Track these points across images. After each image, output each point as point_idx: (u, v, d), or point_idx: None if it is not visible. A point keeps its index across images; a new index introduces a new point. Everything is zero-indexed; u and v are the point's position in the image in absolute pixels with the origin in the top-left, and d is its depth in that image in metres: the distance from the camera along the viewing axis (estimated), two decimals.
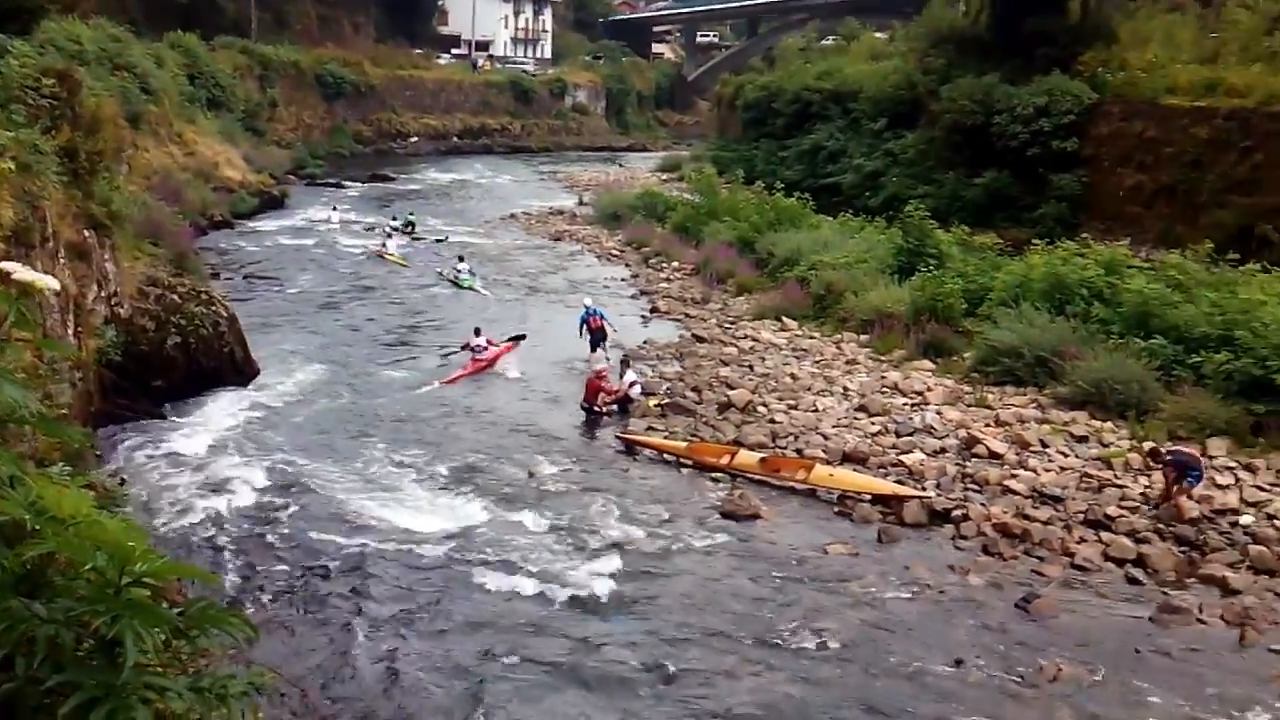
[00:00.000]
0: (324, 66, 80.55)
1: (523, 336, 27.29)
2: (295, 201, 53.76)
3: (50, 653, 3.17)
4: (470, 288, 35.50)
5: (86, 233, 19.89)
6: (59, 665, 3.18)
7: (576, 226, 49.93)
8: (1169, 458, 17.85)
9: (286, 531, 16.32)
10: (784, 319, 30.27)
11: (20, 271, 3.78)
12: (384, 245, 41.53)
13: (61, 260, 17.92)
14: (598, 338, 27.01)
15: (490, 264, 39.78)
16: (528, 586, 14.88)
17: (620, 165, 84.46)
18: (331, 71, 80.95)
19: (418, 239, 44.62)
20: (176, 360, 22.33)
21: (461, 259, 37.59)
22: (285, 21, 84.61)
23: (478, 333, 26.45)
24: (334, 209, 48.80)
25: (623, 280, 37.15)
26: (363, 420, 21.96)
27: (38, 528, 3.50)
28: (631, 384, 23.11)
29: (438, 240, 44.06)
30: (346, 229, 46.21)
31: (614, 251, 43.26)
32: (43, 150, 17.19)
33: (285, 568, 15.15)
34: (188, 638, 3.45)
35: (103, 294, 20.48)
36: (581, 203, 57.98)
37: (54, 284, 3.90)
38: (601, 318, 27.49)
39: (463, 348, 26.17)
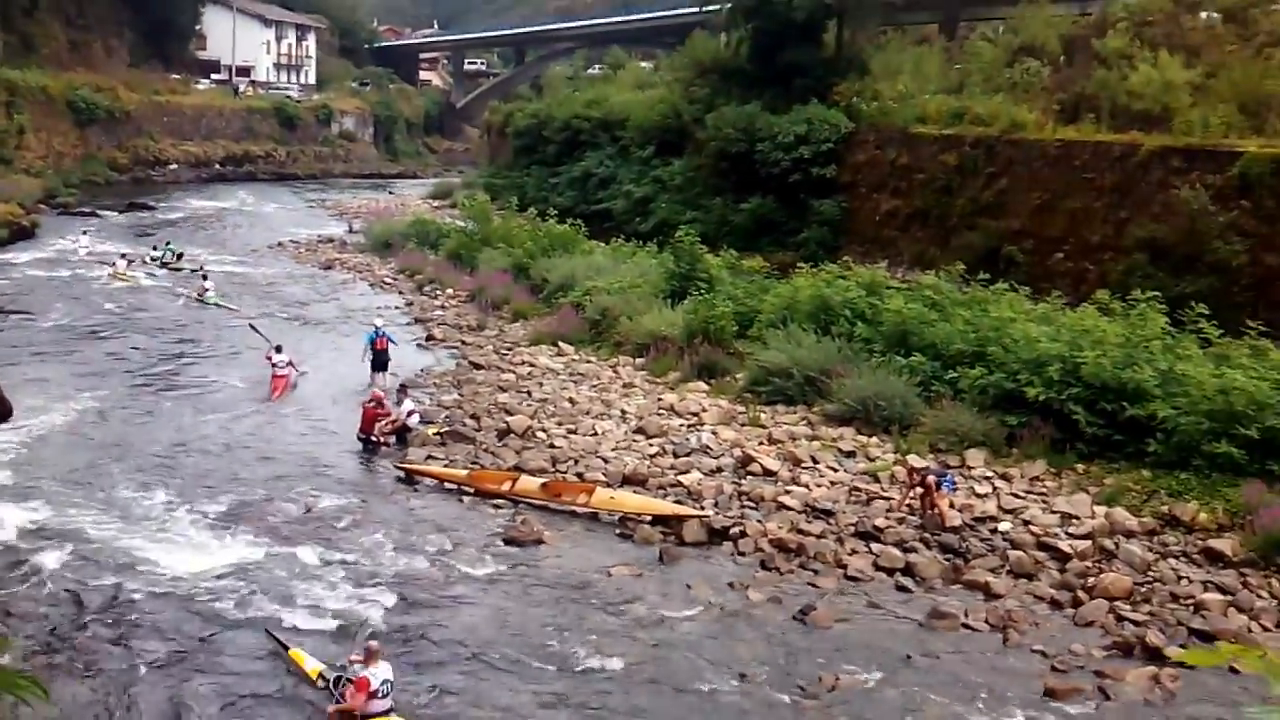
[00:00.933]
0: (75, 92, 76.84)
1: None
2: (46, 231, 51.19)
3: None
4: (216, 304, 36.58)
5: None
6: None
7: (347, 255, 49.09)
8: (923, 474, 18.65)
9: (48, 579, 15.44)
10: (561, 344, 30.37)
11: None
12: (115, 265, 41.56)
13: None
14: (382, 359, 27.08)
15: (257, 294, 38.76)
16: (304, 620, 14.50)
17: (390, 192, 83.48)
18: (83, 97, 77.28)
19: (178, 269, 43.07)
20: None
21: (205, 277, 38.75)
22: (32, 44, 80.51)
23: (279, 350, 26.96)
24: (83, 233, 46.68)
25: (397, 308, 36.63)
26: (128, 458, 20.98)
27: None
28: (409, 413, 22.80)
29: (194, 271, 42.39)
30: (101, 259, 44.18)
31: (387, 279, 42.71)
32: None
33: (49, 618, 14.33)
34: None
35: None
36: (352, 231, 57.07)
37: None
38: (389, 340, 27.63)
39: (266, 357, 27.05)
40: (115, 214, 61.22)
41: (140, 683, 12.79)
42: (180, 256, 44.44)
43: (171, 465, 20.86)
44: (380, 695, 11.84)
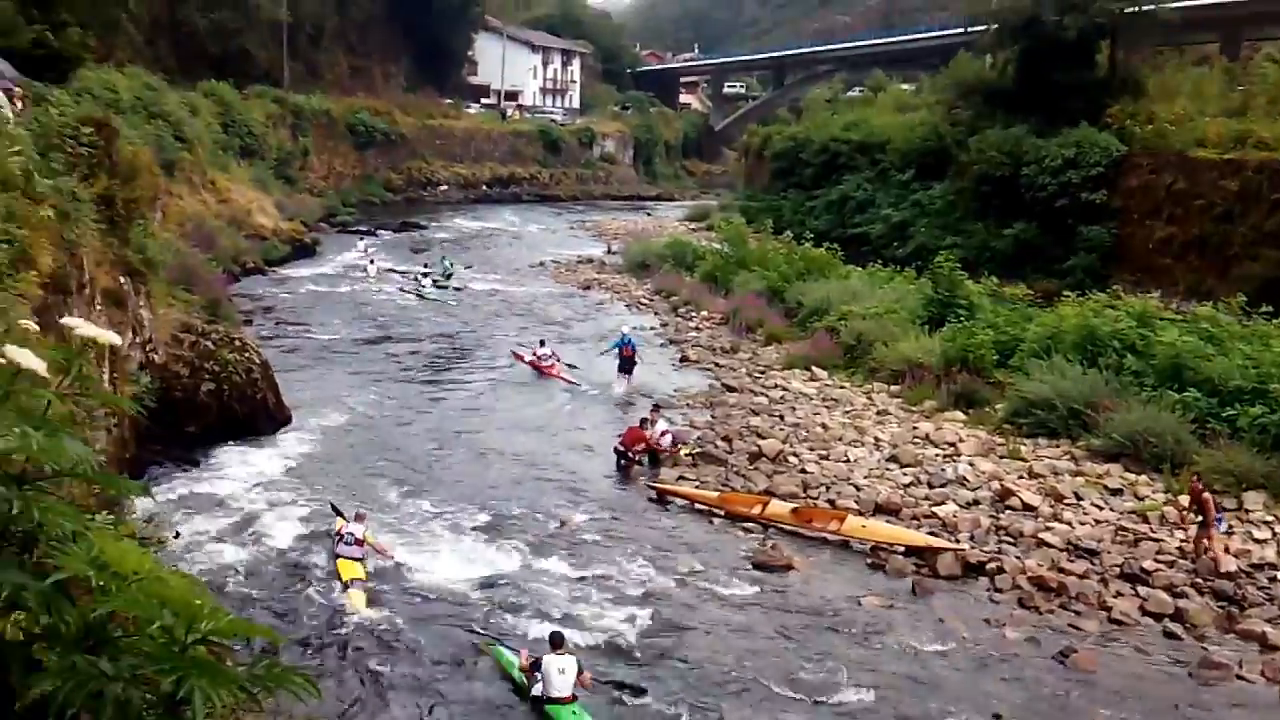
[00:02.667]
0: (355, 115, 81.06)
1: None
2: (326, 248, 54.06)
3: (118, 712, 3.13)
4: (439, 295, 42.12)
5: (122, 279, 20.00)
6: None
7: (605, 275, 50.06)
8: (1203, 487, 17.92)
9: (319, 579, 16.26)
10: (814, 368, 30.21)
11: (82, 326, 3.80)
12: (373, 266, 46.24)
13: (98, 307, 18.02)
14: (628, 365, 28.76)
15: (518, 311, 39.88)
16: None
17: (648, 214, 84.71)
18: (363, 120, 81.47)
19: (454, 287, 44.67)
20: (209, 406, 22.44)
21: (424, 273, 43.77)
22: (317, 71, 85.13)
23: (543, 344, 31.32)
24: (371, 261, 48.66)
25: (652, 329, 37.11)
26: (395, 466, 21.92)
27: (101, 584, 3.48)
28: (662, 433, 23.03)
29: (458, 289, 44.04)
30: (384, 277, 46.30)
31: (643, 300, 43.35)
32: (81, 198, 17.30)
33: (318, 618, 15.08)
34: (253, 696, 3.41)
35: (137, 340, 20.59)
36: (610, 251, 58.16)
37: (115, 339, 3.91)
38: (634, 348, 29.07)
39: (533, 353, 31.17)
40: (389, 232, 64.12)
41: (394, 691, 13.26)
42: (450, 276, 46.06)
43: (434, 472, 21.73)
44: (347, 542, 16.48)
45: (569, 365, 30.57)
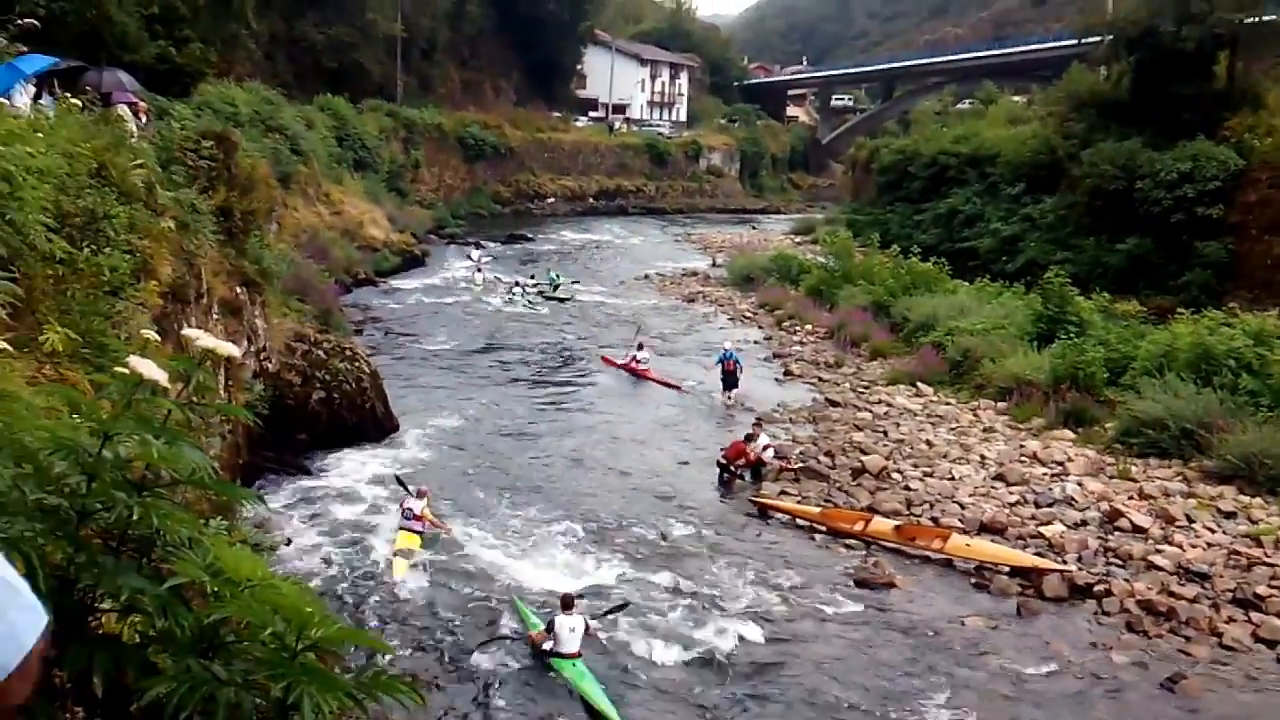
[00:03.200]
0: (466, 129, 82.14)
1: None
2: (435, 260, 54.80)
3: (230, 716, 3.23)
4: (527, 305, 43.21)
5: (238, 289, 20.51)
6: None
7: (710, 288, 50.06)
8: None
9: (425, 587, 16.51)
10: (919, 385, 29.91)
11: (203, 338, 3.92)
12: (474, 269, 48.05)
13: (215, 316, 18.49)
14: (731, 380, 28.94)
15: (622, 323, 40.01)
16: (662, 649, 14.83)
17: (754, 227, 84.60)
18: (473, 134, 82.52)
19: (560, 298, 45.14)
20: (320, 414, 22.89)
21: (531, 285, 45.11)
22: (430, 85, 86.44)
23: (640, 348, 32.68)
24: (478, 270, 49.21)
25: (756, 343, 37.02)
26: (499, 476, 22.16)
27: (215, 590, 3.59)
28: (765, 447, 22.95)
29: (563, 300, 44.42)
30: (490, 288, 46.81)
31: (747, 314, 43.27)
32: (200, 210, 17.74)
33: (423, 623, 15.30)
34: (359, 703, 3.49)
35: (252, 349, 21.07)
36: (715, 265, 58.17)
37: (233, 351, 4.03)
38: (736, 363, 29.12)
39: (631, 356, 32.63)
40: (497, 244, 64.64)
41: (498, 700, 13.41)
42: (557, 287, 46.45)
43: (535, 479, 21.92)
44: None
45: (673, 385, 30.89)
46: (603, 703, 13.25)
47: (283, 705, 3.26)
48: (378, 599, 16.04)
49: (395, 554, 17.19)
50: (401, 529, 18.16)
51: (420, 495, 18.73)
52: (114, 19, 32.60)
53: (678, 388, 30.66)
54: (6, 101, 12.86)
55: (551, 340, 36.82)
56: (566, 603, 14.59)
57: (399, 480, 20.04)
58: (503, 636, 15.03)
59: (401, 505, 18.70)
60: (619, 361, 32.80)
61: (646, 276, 53.82)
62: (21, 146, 9.65)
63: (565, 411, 27.76)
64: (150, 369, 3.67)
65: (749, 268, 50.76)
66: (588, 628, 14.39)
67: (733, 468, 22.50)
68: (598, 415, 27.55)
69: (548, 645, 14.26)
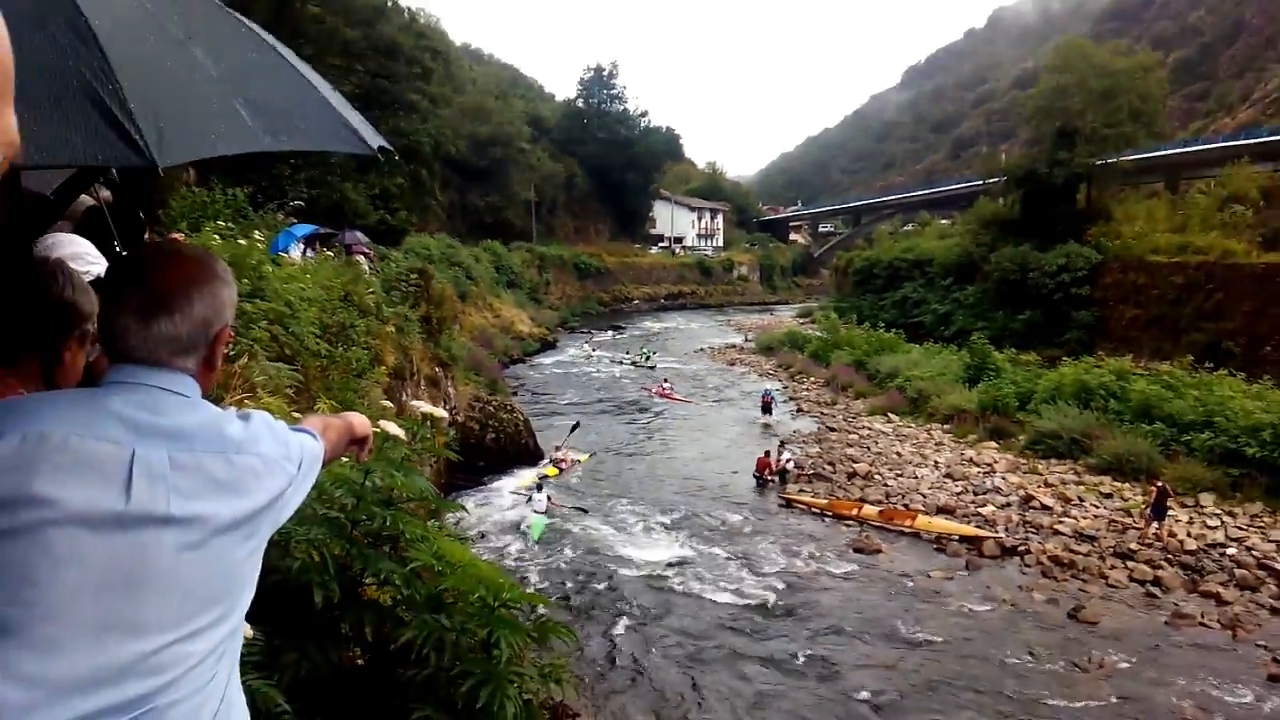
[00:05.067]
0: (579, 258, 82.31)
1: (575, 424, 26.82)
2: (562, 344, 54.86)
3: (452, 651, 3.28)
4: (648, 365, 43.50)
5: (437, 369, 20.77)
6: (457, 658, 3.29)
7: (744, 355, 49.58)
8: (1160, 487, 17.09)
9: (567, 559, 16.52)
10: (890, 415, 29.43)
11: (422, 405, 4.01)
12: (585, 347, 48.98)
13: (422, 387, 18.74)
14: (767, 410, 29.76)
15: (690, 380, 39.87)
16: (722, 597, 14.70)
17: (772, 314, 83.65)
18: (583, 261, 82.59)
19: (651, 366, 44.37)
20: (492, 449, 22.98)
21: (628, 358, 45.53)
22: (554, 230, 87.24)
23: (666, 381, 35.58)
24: (592, 350, 49.46)
25: (777, 389, 36.38)
26: (608, 482, 22.19)
27: (439, 569, 3.65)
28: (787, 460, 22.71)
29: (651, 368, 44.18)
30: (598, 361, 47.04)
31: (769, 371, 42.82)
32: (410, 318, 18.06)
33: (567, 584, 15.29)
34: (536, 641, 3.52)
35: (447, 408, 21.26)
36: (746, 340, 57.64)
37: (442, 413, 4.12)
38: (772, 398, 30.30)
39: (662, 383, 35.68)
40: (601, 332, 64.77)
41: (618, 638, 13.34)
42: (649, 358, 46.23)
43: (634, 485, 21.84)
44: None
45: (691, 403, 32.39)
46: (534, 534, 16.78)
47: (486, 644, 3.30)
48: (533, 563, 16.06)
49: (534, 513, 18.51)
50: (553, 463, 22.02)
51: (558, 449, 22.94)
52: (350, 197, 33.57)
53: (690, 402, 33.06)
54: (286, 255, 13.25)
55: (640, 396, 36.77)
56: (539, 485, 19.03)
57: (560, 445, 23.29)
58: (617, 594, 14.93)
59: (551, 458, 22.52)
60: (653, 390, 35.36)
61: (701, 349, 53.48)
62: (296, 284, 9.95)
63: (652, 438, 27.76)
64: (392, 427, 3.76)
65: (770, 341, 50.36)
66: (549, 499, 18.45)
67: (765, 476, 22.28)
68: (674, 439, 27.51)
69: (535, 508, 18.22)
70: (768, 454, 22.81)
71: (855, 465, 22.98)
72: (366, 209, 35.05)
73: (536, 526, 17.64)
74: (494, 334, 45.20)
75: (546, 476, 20.80)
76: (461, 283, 45.22)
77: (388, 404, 5.63)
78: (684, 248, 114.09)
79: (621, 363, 45.64)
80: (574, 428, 23.65)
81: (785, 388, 37.84)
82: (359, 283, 14.58)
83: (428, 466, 16.87)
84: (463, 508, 4.51)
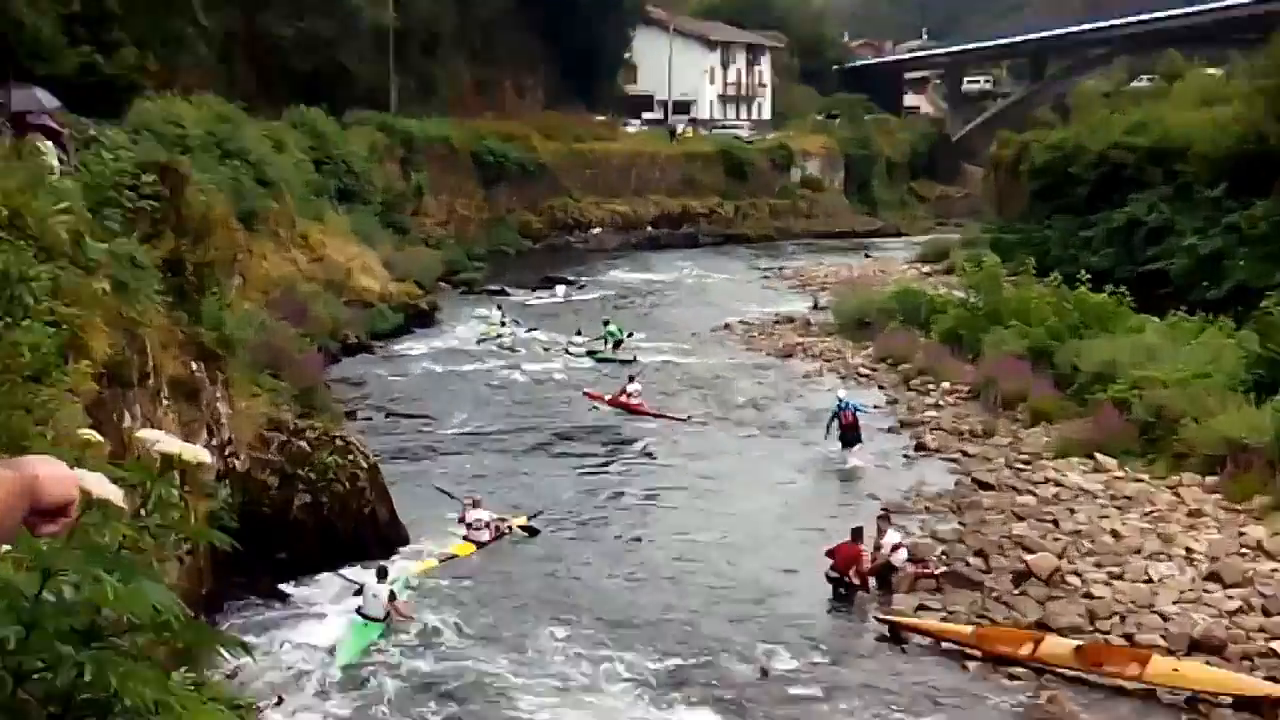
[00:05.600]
0: (481, 142, 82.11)
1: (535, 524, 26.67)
2: (449, 315, 55.03)
3: None
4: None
5: (194, 365, 20.75)
6: None
7: (811, 338, 50.04)
8: None
9: None
10: (1098, 456, 29.57)
11: (163, 442, 3.96)
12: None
13: (165, 401, 18.74)
14: (850, 436, 30.06)
15: (699, 390, 40.00)
16: None
17: (867, 255, 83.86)
18: (491, 148, 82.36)
19: (624, 360, 44.40)
20: (305, 524, 22.96)
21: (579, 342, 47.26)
22: (433, 88, 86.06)
23: (631, 379, 37.77)
24: (501, 323, 49.72)
25: (876, 407, 36.70)
26: (547, 594, 22.17)
27: None
28: (894, 547, 22.74)
29: (624, 362, 44.04)
30: (518, 348, 47.14)
31: (863, 370, 43.15)
32: (142, 264, 17.88)
33: None
34: None
35: (214, 442, 21.23)
36: (817, 306, 58.13)
37: (205, 457, 4.06)
38: (855, 412, 30.49)
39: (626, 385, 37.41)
40: (529, 291, 64.76)
41: None
42: (619, 345, 46.55)
43: (596, 599, 21.95)
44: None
45: (673, 417, 34.05)
46: (345, 653, 18.59)
47: None
48: None
49: (357, 616, 20.15)
50: (466, 539, 24.17)
51: (477, 505, 24.66)
52: (24, 21, 33.13)
53: (681, 419, 34.90)
54: None
55: (604, 416, 36.78)
56: (382, 573, 20.36)
57: (442, 490, 25.05)
58: None
59: (461, 519, 24.58)
60: (608, 397, 36.93)
61: (727, 326, 53.83)
62: None
63: (627, 502, 27.93)
64: (102, 486, 3.70)
65: (862, 309, 50.52)
66: (392, 596, 19.82)
67: (849, 577, 22.27)
68: (670, 505, 27.68)
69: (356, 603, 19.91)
70: (855, 535, 22.78)
71: (1029, 557, 23.05)
72: (56, 42, 34.72)
73: (352, 642, 18.44)
74: (311, 295, 44.96)
75: (452, 557, 22.75)
76: (248, 193, 44.93)
77: (92, 435, 5.60)
78: (695, 124, 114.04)
79: (568, 351, 45.76)
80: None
81: (893, 401, 37.99)
82: (39, 193, 14.47)
83: (174, 560, 16.89)
84: (242, 643, 4.45)
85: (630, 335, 47.60)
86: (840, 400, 31.11)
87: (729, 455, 31.90)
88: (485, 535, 24.18)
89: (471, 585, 22.57)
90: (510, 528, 25.10)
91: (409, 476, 28.76)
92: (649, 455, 32.33)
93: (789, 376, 42.86)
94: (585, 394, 38.42)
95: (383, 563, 21.14)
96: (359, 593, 20.21)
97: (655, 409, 35.95)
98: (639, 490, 29.00)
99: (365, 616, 19.48)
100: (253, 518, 21.44)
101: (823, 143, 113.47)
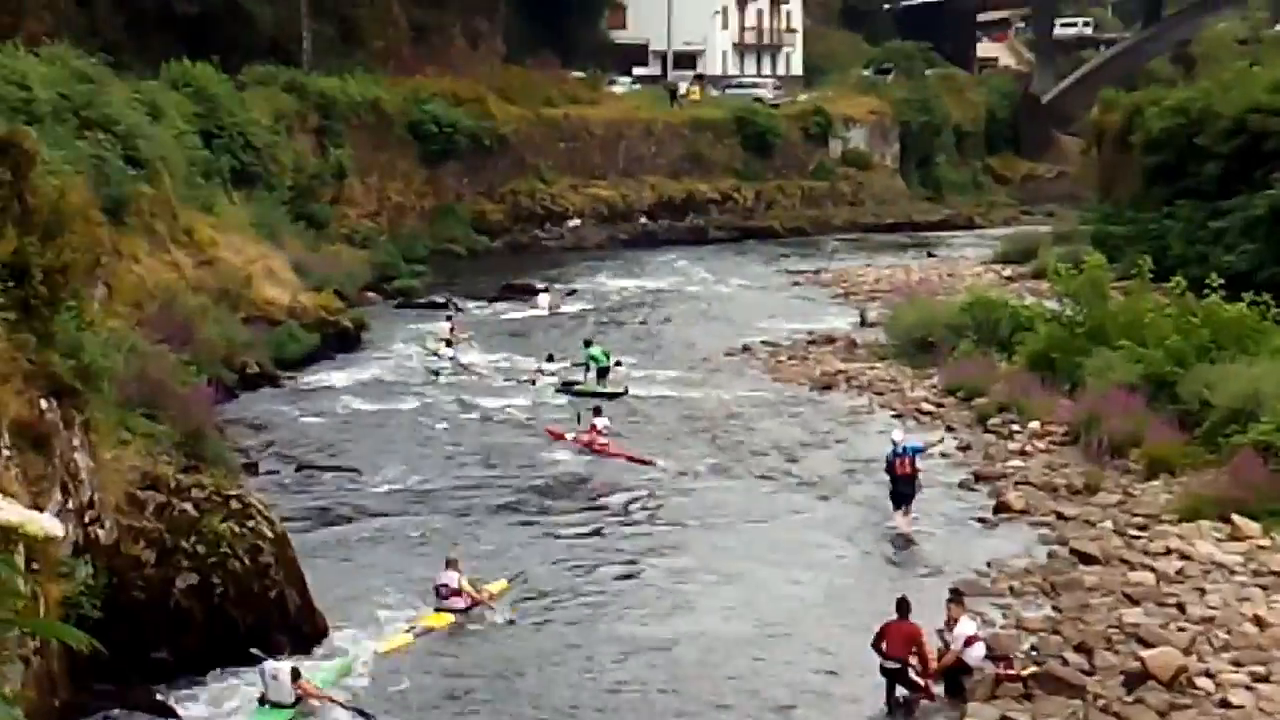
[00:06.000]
0: (422, 108, 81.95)
1: None
2: (378, 334, 55.11)
3: None
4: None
5: (44, 403, 20.70)
6: None
7: (857, 364, 50.06)
8: None
9: None
10: (1236, 518, 29.54)
11: (2, 510, 3.94)
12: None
13: (4, 452, 18.69)
14: (905, 489, 30.29)
15: (711, 432, 39.99)
16: None
17: (930, 254, 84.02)
18: (435, 115, 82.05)
19: (612, 394, 44.58)
20: (191, 613, 22.85)
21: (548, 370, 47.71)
22: (357, 35, 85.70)
23: (598, 412, 39.06)
24: (449, 348, 49.60)
25: (943, 455, 36.79)
26: (509, 703, 22.16)
27: None
28: (968, 640, 22.72)
29: (612, 396, 43.91)
30: (461, 376, 47.04)
31: (925, 405, 43.18)
32: None
33: None
34: None
35: (70, 505, 21.15)
36: (865, 323, 58.39)
37: (56, 528, 4.06)
38: (913, 456, 30.63)
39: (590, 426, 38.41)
40: (485, 304, 64.74)
41: None
42: (605, 374, 46.38)
43: (585, 707, 21.93)
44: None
45: (643, 461, 35.01)
46: None
47: None
48: None
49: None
50: (437, 611, 25.04)
51: (450, 565, 25.33)
52: None
53: (649, 463, 36.09)
54: None
55: (579, 467, 36.73)
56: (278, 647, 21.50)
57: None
58: None
59: (434, 585, 25.37)
60: (570, 435, 38.27)
61: (747, 349, 53.93)
62: None
63: (617, 581, 27.98)
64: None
65: (924, 326, 50.50)
66: (295, 675, 20.72)
67: (911, 672, 22.22)
68: (674, 584, 27.69)
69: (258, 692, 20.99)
70: (902, 608, 22.66)
71: (1147, 653, 23.02)
72: None
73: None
74: (199, 311, 44.97)
75: (421, 629, 24.21)
76: (115, 175, 44.92)
77: None
78: (701, 80, 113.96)
79: (534, 382, 45.95)
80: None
81: (964, 446, 37.98)
82: None
83: (16, 662, 16.85)
84: None
85: (619, 364, 47.27)
86: (895, 444, 31.11)
87: (749, 519, 31.83)
88: (460, 603, 25.10)
89: (411, 675, 22.56)
90: (490, 596, 26.07)
91: (328, 548, 28.75)
92: (646, 518, 32.30)
93: (828, 415, 42.92)
94: (546, 430, 39.63)
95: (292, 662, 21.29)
96: (260, 667, 20.82)
97: (628, 452, 37.00)
98: (632, 564, 28.98)
99: (271, 703, 19.95)
100: (122, 605, 21.43)
101: (871, 106, 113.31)
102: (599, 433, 37.30)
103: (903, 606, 22.64)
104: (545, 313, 57.56)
